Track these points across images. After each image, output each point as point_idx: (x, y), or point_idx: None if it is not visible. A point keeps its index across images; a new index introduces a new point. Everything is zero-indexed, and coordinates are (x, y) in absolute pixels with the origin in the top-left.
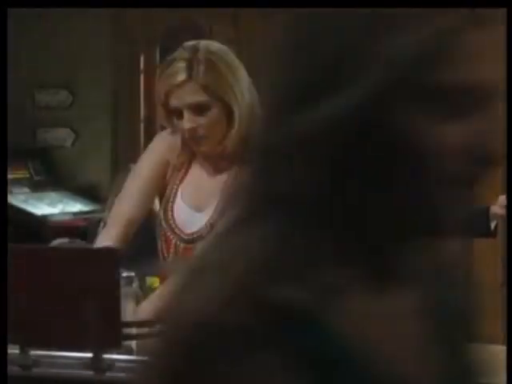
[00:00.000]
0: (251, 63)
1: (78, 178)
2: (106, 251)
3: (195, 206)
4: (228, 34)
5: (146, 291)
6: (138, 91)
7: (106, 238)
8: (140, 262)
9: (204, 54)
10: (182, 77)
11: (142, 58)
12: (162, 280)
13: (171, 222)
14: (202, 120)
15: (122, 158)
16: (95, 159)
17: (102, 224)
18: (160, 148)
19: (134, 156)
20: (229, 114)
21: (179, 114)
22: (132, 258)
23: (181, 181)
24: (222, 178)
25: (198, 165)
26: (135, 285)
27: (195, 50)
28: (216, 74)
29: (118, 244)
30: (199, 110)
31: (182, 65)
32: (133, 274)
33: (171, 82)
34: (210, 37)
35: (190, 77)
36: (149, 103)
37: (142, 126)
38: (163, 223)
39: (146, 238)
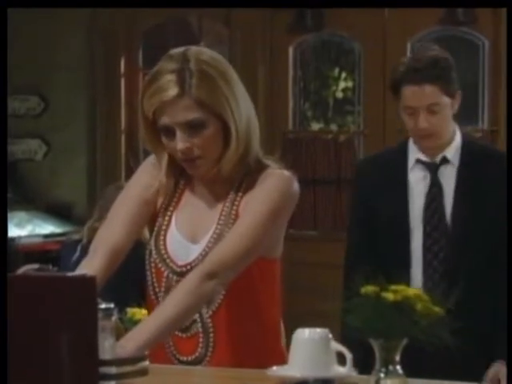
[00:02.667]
0: (246, 66)
1: (49, 195)
2: (82, 280)
3: (191, 237)
4: (220, 33)
5: (126, 324)
6: (119, 97)
7: (88, 269)
8: (120, 291)
9: (196, 63)
10: (173, 92)
11: (122, 60)
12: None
13: (163, 252)
14: (196, 139)
15: (100, 174)
16: (69, 174)
17: (79, 247)
18: (149, 172)
19: (113, 171)
20: (225, 131)
21: (170, 133)
22: (112, 287)
23: (175, 207)
24: (219, 204)
25: (192, 189)
26: (115, 318)
27: (185, 59)
28: (210, 86)
29: (101, 276)
30: (193, 128)
31: (171, 78)
32: (112, 305)
33: (161, 98)
34: (200, 36)
35: (182, 91)
36: (130, 111)
37: (122, 137)
38: (154, 253)
39: (127, 265)
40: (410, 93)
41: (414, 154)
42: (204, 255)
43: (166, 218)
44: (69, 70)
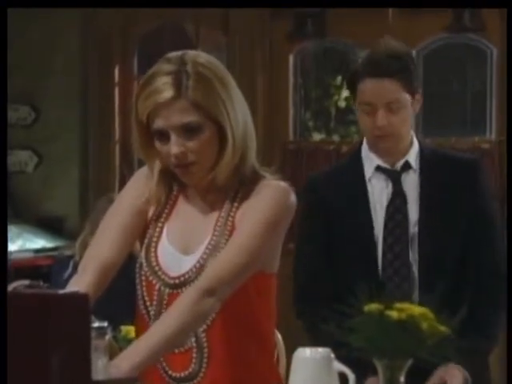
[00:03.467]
0: (244, 74)
1: (40, 208)
2: (75, 297)
3: (183, 248)
4: (217, 39)
5: (120, 343)
6: (113, 107)
7: (78, 286)
8: (114, 309)
9: (193, 66)
10: (168, 94)
11: (116, 68)
12: (140, 330)
13: (154, 264)
14: (191, 143)
15: (94, 186)
16: (61, 187)
17: (71, 263)
18: (141, 184)
19: (107, 183)
20: (221, 136)
21: (164, 137)
22: (105, 304)
23: (166, 218)
24: (213, 214)
25: (185, 199)
26: (108, 337)
27: (182, 61)
28: (208, 89)
29: (91, 294)
30: (189, 131)
31: (167, 80)
32: (105, 324)
33: (155, 100)
34: (197, 42)
35: (177, 93)
36: (125, 121)
37: (117, 147)
38: (145, 266)
39: (121, 282)
40: (368, 87)
41: (371, 161)
42: (198, 267)
43: (157, 228)
44: (61, 78)
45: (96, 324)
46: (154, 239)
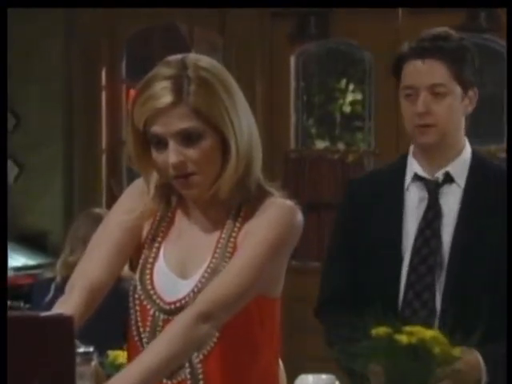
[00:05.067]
0: (242, 78)
1: (21, 222)
2: (59, 320)
3: (181, 271)
4: (213, 40)
5: (108, 369)
6: (99, 113)
7: (64, 307)
8: (101, 332)
9: (194, 70)
10: (167, 99)
11: (103, 71)
12: (132, 357)
13: (149, 287)
14: (191, 152)
15: (79, 198)
16: (44, 199)
17: (53, 285)
18: (135, 197)
19: (93, 196)
20: (223, 147)
21: (161, 145)
22: (91, 327)
23: (163, 237)
24: (214, 234)
25: (184, 215)
26: (94, 362)
27: (183, 65)
28: (210, 95)
29: (78, 316)
30: (188, 139)
31: (166, 84)
32: (91, 348)
33: (153, 105)
34: (191, 44)
35: (178, 99)
36: (112, 128)
37: (103, 157)
38: (139, 289)
39: (108, 302)
40: (411, 69)
41: (411, 167)
42: (196, 292)
43: (154, 249)
44: (43, 82)
45: (81, 349)
46: (150, 260)
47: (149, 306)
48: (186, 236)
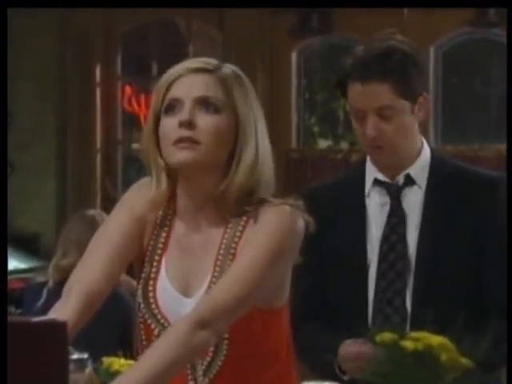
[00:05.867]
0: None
1: (13, 225)
2: (52, 325)
3: (183, 290)
4: (211, 36)
5: (102, 376)
6: (94, 111)
7: (60, 313)
8: (95, 339)
9: (229, 68)
10: (198, 64)
11: (98, 68)
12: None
13: (153, 306)
14: (205, 119)
15: (72, 200)
16: (36, 201)
17: (45, 290)
18: (136, 200)
19: (87, 197)
20: (237, 138)
21: (171, 107)
22: (85, 334)
23: (163, 249)
24: (214, 245)
25: (181, 224)
26: (89, 369)
27: (217, 64)
28: (240, 85)
29: (74, 322)
30: (207, 108)
31: (198, 62)
32: (85, 355)
33: (184, 65)
34: (188, 40)
35: (209, 70)
36: (107, 127)
37: (98, 157)
38: (142, 307)
39: (102, 309)
40: (356, 92)
41: (371, 173)
42: None
43: (155, 262)
44: (35, 79)
45: (75, 356)
46: (152, 275)
47: (153, 326)
48: (187, 246)
